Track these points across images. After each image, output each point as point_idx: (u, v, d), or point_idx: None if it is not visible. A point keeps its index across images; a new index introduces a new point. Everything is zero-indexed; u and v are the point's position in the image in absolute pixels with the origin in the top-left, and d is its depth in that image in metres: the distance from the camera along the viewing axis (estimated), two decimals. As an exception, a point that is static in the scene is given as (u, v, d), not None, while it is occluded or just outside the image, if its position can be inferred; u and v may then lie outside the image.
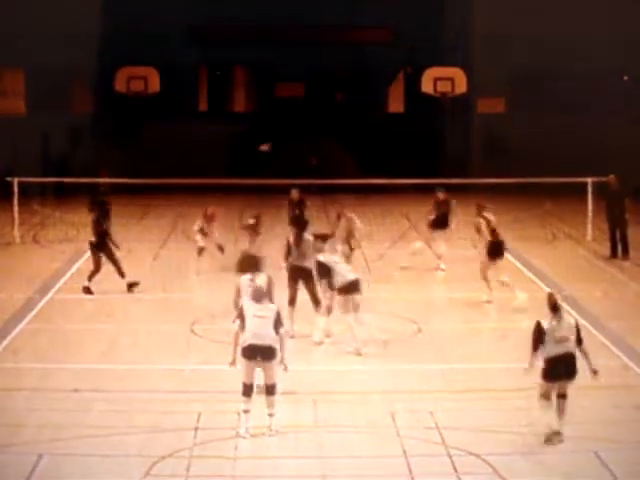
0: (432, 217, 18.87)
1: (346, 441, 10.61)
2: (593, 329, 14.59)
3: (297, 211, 19.20)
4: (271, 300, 11.39)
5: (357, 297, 13.54)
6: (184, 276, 17.81)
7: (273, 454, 10.31)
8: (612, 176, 20.28)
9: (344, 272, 13.60)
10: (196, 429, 10.80)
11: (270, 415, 10.68)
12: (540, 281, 17.26)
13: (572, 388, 11.66)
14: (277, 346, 10.66)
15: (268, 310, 10.74)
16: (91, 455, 10.13)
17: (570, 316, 10.91)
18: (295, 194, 19.78)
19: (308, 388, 12.01)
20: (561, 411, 10.61)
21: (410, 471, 9.87)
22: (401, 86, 32.11)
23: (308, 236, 14.49)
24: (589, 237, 21.50)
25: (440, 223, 18.76)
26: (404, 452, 10.24)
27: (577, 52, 28.85)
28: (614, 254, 20.01)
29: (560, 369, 10.56)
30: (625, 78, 29.98)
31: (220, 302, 16.10)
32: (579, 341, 10.69)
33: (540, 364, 10.57)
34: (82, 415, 11.22)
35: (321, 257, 13.79)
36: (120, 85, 30.47)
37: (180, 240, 21.00)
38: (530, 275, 17.83)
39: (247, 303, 10.97)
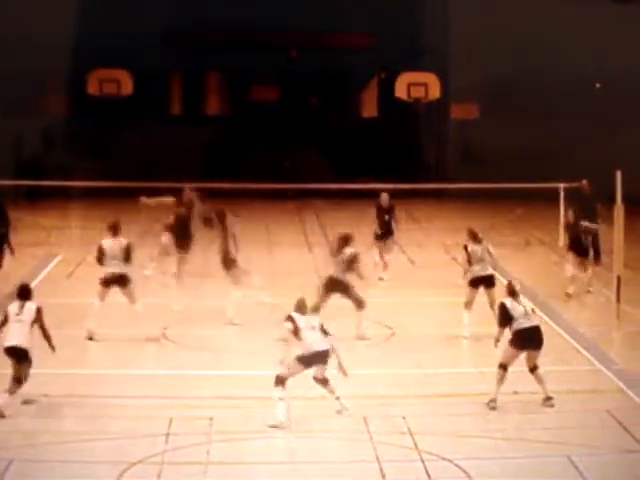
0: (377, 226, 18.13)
1: (319, 446, 10.57)
2: (566, 334, 14.66)
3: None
4: (42, 328, 11.66)
5: None
6: (156, 281, 17.68)
7: (245, 459, 10.26)
8: (585, 182, 20.39)
9: None
10: (168, 435, 10.74)
11: (337, 398, 11.24)
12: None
13: (544, 395, 11.72)
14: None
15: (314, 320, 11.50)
16: (62, 461, 10.06)
17: (527, 301, 12.02)
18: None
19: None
20: (540, 379, 11.63)
21: (383, 476, 9.85)
22: (375, 91, 32.17)
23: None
24: (561, 243, 21.60)
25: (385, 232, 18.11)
26: (377, 457, 10.22)
27: (551, 59, 29.04)
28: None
29: (527, 340, 11.60)
30: (597, 85, 30.21)
31: (193, 308, 16.03)
32: None
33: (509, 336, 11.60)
34: (53, 421, 11.14)
35: None
36: (92, 88, 30.31)
37: (152, 244, 20.85)
38: (503, 280, 17.85)
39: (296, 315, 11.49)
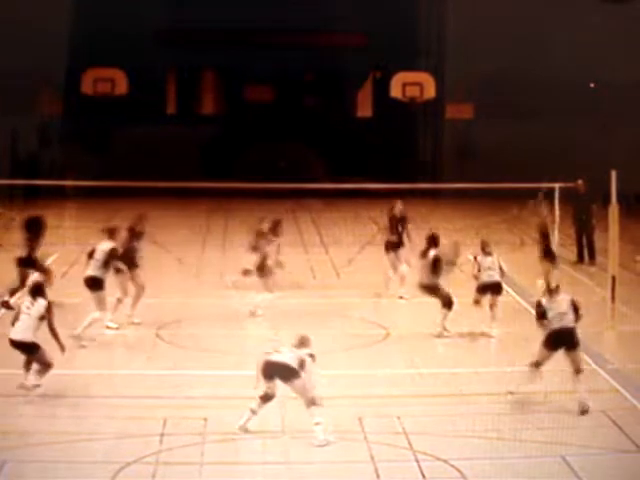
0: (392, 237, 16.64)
1: (313, 446, 10.55)
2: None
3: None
4: (50, 325, 11.87)
5: None
6: (150, 281, 17.65)
7: (239, 460, 10.24)
8: (580, 181, 20.42)
9: None
10: (162, 435, 10.72)
11: (316, 424, 10.62)
12: (508, 286, 17.29)
13: (539, 395, 11.74)
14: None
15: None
16: (56, 461, 10.03)
17: (567, 295, 12.00)
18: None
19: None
20: (580, 383, 11.64)
21: (378, 476, 9.84)
22: (370, 91, 32.16)
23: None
24: (556, 242, 21.60)
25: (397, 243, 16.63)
26: (371, 457, 10.21)
27: (545, 59, 29.06)
28: (581, 259, 20.13)
29: (558, 341, 11.71)
30: (592, 85, 30.26)
31: (186, 307, 16.00)
32: (577, 317, 11.88)
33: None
34: (47, 421, 11.10)
35: None
36: (87, 87, 30.25)
37: (146, 244, 20.84)
38: (509, 290, 17.86)
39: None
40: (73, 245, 21.01)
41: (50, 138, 29.83)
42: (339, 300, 16.59)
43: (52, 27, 28.79)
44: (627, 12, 28.91)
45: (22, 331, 11.80)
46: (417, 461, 10.15)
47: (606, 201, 15.63)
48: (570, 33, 28.65)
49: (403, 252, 16.68)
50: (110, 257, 14.30)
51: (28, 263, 16.00)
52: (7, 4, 28.36)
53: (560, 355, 13.54)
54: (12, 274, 18.34)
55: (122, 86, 30.28)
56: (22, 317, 11.89)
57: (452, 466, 9.98)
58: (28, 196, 26.37)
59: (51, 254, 20.38)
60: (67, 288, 17.00)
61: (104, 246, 14.49)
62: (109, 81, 30.25)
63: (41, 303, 11.94)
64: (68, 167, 26.83)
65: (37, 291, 12.11)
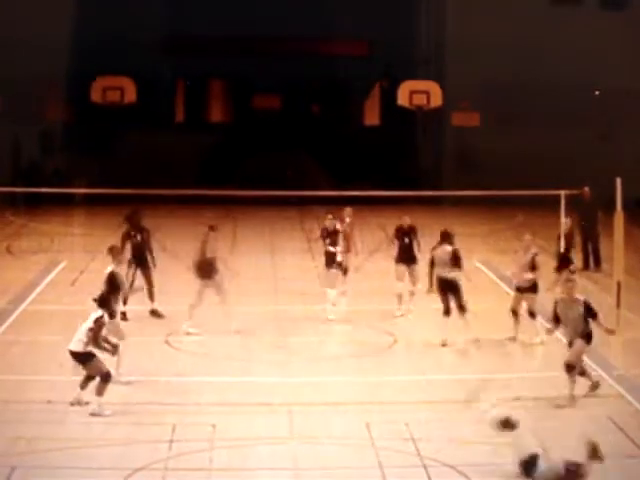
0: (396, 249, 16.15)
1: (321, 452, 10.61)
2: (565, 340, 14.68)
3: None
4: None
5: None
6: (159, 287, 17.74)
7: (248, 466, 10.29)
8: (586, 188, 20.47)
9: None
10: (171, 441, 10.77)
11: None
12: (514, 293, 17.32)
13: (545, 400, 11.78)
14: None
15: None
16: (65, 467, 10.08)
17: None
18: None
19: (283, 399, 12.01)
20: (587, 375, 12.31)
21: (385, 482, 9.89)
22: (377, 99, 32.26)
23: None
24: (562, 250, 21.61)
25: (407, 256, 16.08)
26: (379, 463, 10.25)
27: (550, 67, 29.14)
28: (586, 266, 20.16)
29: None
30: (597, 93, 30.31)
31: (195, 314, 16.05)
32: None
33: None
34: (56, 427, 11.16)
35: None
36: (96, 95, 30.41)
37: (155, 251, 20.93)
38: (504, 287, 17.93)
39: None
40: (81, 253, 21.11)
41: (59, 146, 29.99)
42: (346, 307, 16.63)
43: (61, 36, 28.95)
44: (630, 18, 28.98)
45: (74, 342, 11.84)
46: (425, 467, 10.18)
47: (611, 208, 15.68)
48: (574, 40, 28.72)
49: (415, 268, 16.12)
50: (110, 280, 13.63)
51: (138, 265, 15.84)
52: (19, 12, 28.54)
53: (560, 357, 13.61)
54: (23, 280, 18.46)
55: (131, 94, 30.42)
56: (79, 328, 11.93)
57: (459, 472, 10.02)
58: (36, 203, 26.53)
59: (60, 261, 20.52)
60: (76, 295, 17.13)
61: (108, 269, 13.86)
62: (118, 90, 30.38)
63: (93, 315, 11.93)
64: (77, 175, 26.98)
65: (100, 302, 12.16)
